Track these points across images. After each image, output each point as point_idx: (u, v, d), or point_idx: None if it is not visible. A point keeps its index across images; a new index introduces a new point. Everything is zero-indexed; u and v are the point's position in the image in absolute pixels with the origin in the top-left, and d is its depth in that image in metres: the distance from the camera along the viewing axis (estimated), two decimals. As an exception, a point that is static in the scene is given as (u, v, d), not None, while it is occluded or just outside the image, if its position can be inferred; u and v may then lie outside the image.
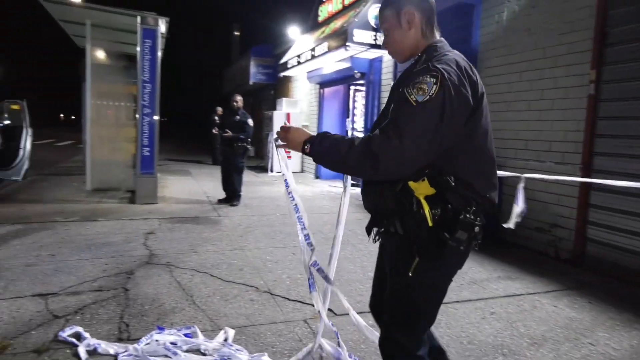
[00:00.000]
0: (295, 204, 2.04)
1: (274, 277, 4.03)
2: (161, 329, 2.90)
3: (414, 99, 1.45)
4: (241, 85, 19.59)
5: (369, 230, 1.83)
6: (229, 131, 7.53)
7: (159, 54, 7.26)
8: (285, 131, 1.77)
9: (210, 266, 4.26)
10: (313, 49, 9.96)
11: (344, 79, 10.63)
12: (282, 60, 12.49)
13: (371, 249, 5.10)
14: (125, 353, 2.54)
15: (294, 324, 3.16)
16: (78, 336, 2.74)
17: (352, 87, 10.58)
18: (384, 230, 1.68)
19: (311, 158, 1.64)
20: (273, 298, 3.59)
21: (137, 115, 7.28)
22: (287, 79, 14.58)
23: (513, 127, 5.67)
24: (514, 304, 3.69)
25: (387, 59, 8.68)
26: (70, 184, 8.91)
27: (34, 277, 3.77)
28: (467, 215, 1.49)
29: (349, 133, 10.74)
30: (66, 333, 2.75)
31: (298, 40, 12.86)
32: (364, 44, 8.19)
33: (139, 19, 7.10)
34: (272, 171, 12.61)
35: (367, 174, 1.52)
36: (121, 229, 5.52)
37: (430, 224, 1.49)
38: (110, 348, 2.60)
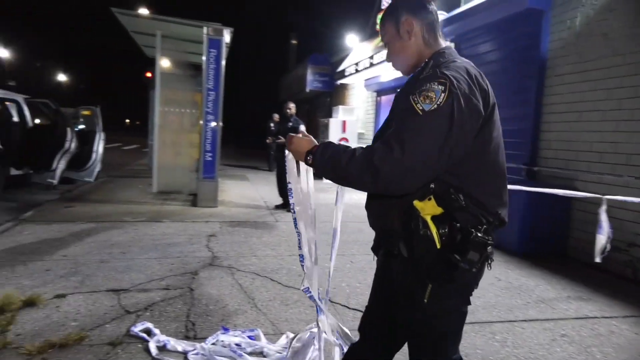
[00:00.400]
0: (295, 218, 1.85)
1: (333, 285, 4.02)
2: (226, 329, 2.97)
3: (421, 107, 1.34)
4: (298, 93, 19.90)
5: (375, 250, 1.76)
6: (282, 138, 7.65)
7: (223, 62, 7.51)
8: (290, 141, 1.66)
9: (271, 270, 4.32)
10: (371, 57, 9.95)
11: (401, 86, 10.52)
12: (340, 68, 12.57)
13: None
14: (194, 351, 2.62)
15: (354, 333, 3.13)
16: (148, 332, 2.87)
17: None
18: (389, 251, 1.58)
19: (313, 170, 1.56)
20: (333, 306, 3.58)
21: (201, 122, 7.56)
22: (344, 86, 14.65)
23: (585, 138, 5.36)
24: (587, 327, 3.47)
25: (447, 66, 8.50)
26: (137, 186, 9.38)
27: (107, 273, 3.99)
28: (479, 235, 1.36)
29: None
30: (138, 328, 2.88)
31: (356, 48, 12.90)
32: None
33: (205, 29, 7.40)
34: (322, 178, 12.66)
35: (368, 187, 1.41)
36: (185, 230, 5.73)
37: (438, 246, 1.38)
38: (179, 345, 2.70)
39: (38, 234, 5.16)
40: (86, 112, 9.63)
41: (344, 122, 13.03)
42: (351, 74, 11.49)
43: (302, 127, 7.64)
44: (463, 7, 7.61)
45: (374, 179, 1.35)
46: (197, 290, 3.72)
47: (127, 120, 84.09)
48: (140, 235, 5.37)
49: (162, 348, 2.68)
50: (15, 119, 8.32)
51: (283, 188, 7.71)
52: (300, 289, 3.86)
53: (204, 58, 7.44)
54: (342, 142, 12.79)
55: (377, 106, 12.08)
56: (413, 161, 1.32)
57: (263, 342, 2.82)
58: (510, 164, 6.23)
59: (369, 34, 12.37)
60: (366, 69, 10.34)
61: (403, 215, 1.44)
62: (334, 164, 1.44)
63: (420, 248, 1.41)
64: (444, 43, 1.61)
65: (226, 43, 7.67)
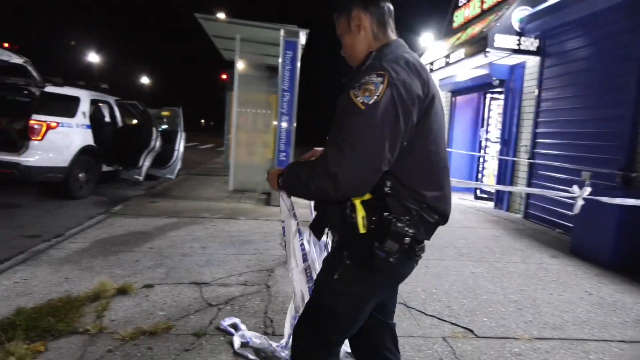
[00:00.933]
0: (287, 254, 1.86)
1: (407, 289, 3.92)
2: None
3: (361, 101, 1.32)
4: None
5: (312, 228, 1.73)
6: None
7: (298, 64, 7.63)
8: (267, 173, 1.74)
9: (344, 271, 4.30)
10: (447, 56, 9.64)
11: (479, 86, 10.11)
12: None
13: (511, 269, 4.72)
14: (277, 347, 2.65)
15: (432, 340, 3.03)
16: (235, 326, 2.95)
17: (489, 95, 10.00)
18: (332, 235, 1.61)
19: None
20: (409, 310, 3.49)
21: (275, 122, 7.72)
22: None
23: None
24: (698, 351, 3.10)
25: (530, 64, 8.03)
26: (213, 183, 9.79)
27: (189, 266, 4.18)
28: (399, 225, 1.36)
29: (483, 143, 10.17)
30: (226, 322, 2.98)
31: (430, 47, 12.57)
32: (506, 50, 7.68)
33: (282, 31, 7.55)
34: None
35: (332, 196, 1.36)
36: (259, 228, 5.88)
37: (361, 230, 1.39)
38: (259, 340, 2.74)
39: (127, 227, 5.53)
40: (166, 113, 10.18)
41: (415, 123, 12.74)
42: (425, 74, 11.22)
43: None
44: (550, 1, 7.14)
45: (335, 187, 1.33)
46: (274, 287, 3.79)
47: (202, 121, 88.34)
48: (218, 231, 5.58)
49: (244, 344, 2.75)
50: (107, 119, 8.99)
51: None
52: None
53: (280, 60, 7.59)
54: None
55: (452, 106, 11.69)
56: (366, 157, 1.31)
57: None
58: (602, 168, 5.79)
59: (445, 33, 12.00)
60: (441, 68, 10.03)
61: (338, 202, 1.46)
62: (297, 182, 1.46)
63: (347, 231, 1.43)
64: (394, 36, 1.60)
65: (302, 45, 7.77)
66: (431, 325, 3.26)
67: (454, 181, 10.87)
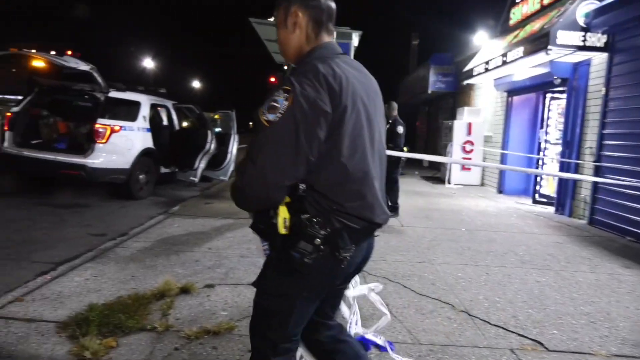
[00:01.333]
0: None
1: (469, 297, 3.79)
2: (391, 345, 2.85)
3: (266, 118, 1.37)
4: (418, 95, 19.47)
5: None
6: None
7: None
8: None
9: (402, 277, 4.22)
10: (504, 55, 9.29)
11: (538, 85, 9.67)
12: (466, 68, 11.97)
13: (579, 278, 4.46)
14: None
15: (499, 352, 2.90)
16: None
17: (549, 95, 9.55)
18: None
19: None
20: (472, 319, 3.36)
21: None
22: (469, 87, 13.95)
23: None
24: None
25: (597, 62, 7.58)
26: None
27: (247, 267, 4.23)
28: (311, 226, 1.41)
29: (542, 145, 9.72)
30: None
31: (485, 46, 12.20)
32: (570, 46, 7.29)
33: (334, 33, 7.53)
34: (449, 183, 12.16)
35: (246, 207, 1.51)
36: (313, 230, 5.88)
37: (280, 231, 1.43)
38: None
39: (186, 227, 5.70)
40: (216, 117, 10.42)
41: (469, 125, 12.41)
42: (480, 74, 10.86)
43: (401, 129, 7.23)
44: (621, -6, 6.72)
45: (245, 199, 1.45)
46: (331, 291, 3.76)
47: (250, 123, 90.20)
48: (273, 232, 5.63)
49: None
50: (165, 122, 9.33)
51: (390, 193, 7.37)
52: (433, 298, 3.72)
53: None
54: (467, 145, 12.21)
55: (508, 107, 11.26)
56: (265, 172, 1.36)
57: None
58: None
59: (501, 31, 11.59)
60: (498, 67, 9.68)
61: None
62: (232, 193, 1.49)
63: (272, 232, 1.46)
64: (327, 38, 1.57)
65: (354, 46, 7.74)
66: (497, 336, 3.12)
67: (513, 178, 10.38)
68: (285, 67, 11.77)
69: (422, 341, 2.97)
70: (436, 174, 14.49)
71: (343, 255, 1.46)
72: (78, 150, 7.23)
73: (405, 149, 7.36)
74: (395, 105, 7.48)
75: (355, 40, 7.73)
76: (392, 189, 7.15)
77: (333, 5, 1.61)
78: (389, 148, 7.12)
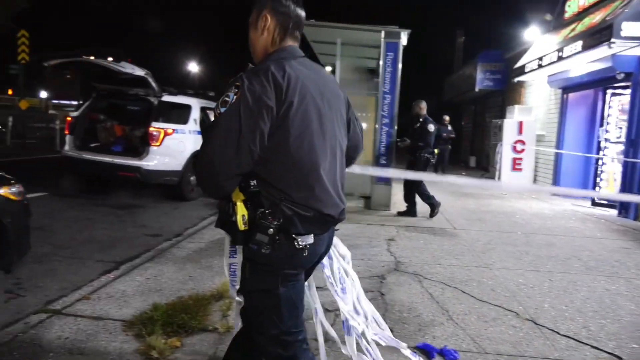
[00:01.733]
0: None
1: (534, 304, 3.61)
2: (455, 353, 2.76)
3: (218, 111, 1.48)
4: (465, 93, 19.02)
5: None
6: (407, 140, 7.22)
7: (399, 66, 7.47)
8: None
9: (459, 281, 4.08)
10: (560, 50, 8.89)
11: (597, 81, 9.18)
12: (518, 65, 11.55)
13: (654, 287, 4.16)
14: None
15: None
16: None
17: (609, 91, 9.03)
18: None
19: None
20: (538, 328, 3.20)
21: (376, 125, 7.61)
22: (519, 84, 13.45)
23: None
24: None
25: (665, 54, 7.10)
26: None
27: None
28: (264, 218, 1.48)
29: (602, 144, 9.21)
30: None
31: (537, 41, 11.72)
32: (636, 39, 6.87)
33: (382, 33, 7.44)
34: (499, 184, 11.74)
35: (206, 193, 1.61)
36: (363, 233, 5.82)
37: (240, 228, 1.50)
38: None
39: (237, 228, 5.76)
40: None
41: (520, 123, 11.93)
42: (532, 70, 10.43)
43: (432, 127, 6.94)
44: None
45: (201, 185, 1.56)
46: (388, 295, 3.69)
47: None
48: (323, 234, 5.60)
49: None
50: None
51: (408, 194, 7.19)
52: (495, 305, 3.57)
53: (380, 62, 7.49)
54: (518, 145, 11.75)
55: (563, 104, 10.74)
56: (212, 160, 1.47)
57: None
58: None
59: (554, 25, 11.11)
60: (552, 63, 9.27)
61: (226, 203, 1.56)
62: None
63: (233, 230, 1.53)
64: (290, 42, 1.66)
65: (403, 45, 7.60)
66: (568, 347, 2.95)
67: (563, 189, 9.89)
68: (328, 69, 11.76)
69: (488, 350, 2.84)
70: (484, 175, 14.06)
71: (302, 244, 1.53)
72: (133, 152, 7.49)
73: (436, 151, 7.11)
74: (423, 103, 7.14)
75: (404, 39, 7.57)
76: (418, 191, 6.96)
77: (302, 14, 1.70)
78: (418, 147, 6.95)
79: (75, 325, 2.92)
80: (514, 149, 11.80)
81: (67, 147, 7.76)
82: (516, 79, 12.21)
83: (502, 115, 13.39)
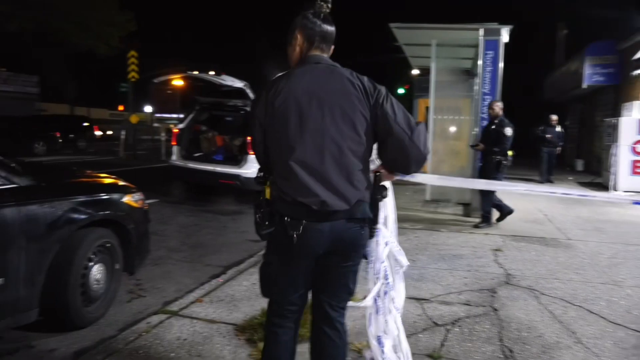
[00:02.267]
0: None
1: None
2: None
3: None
4: (569, 91, 17.52)
5: None
6: (480, 143, 6.51)
7: (501, 64, 7.04)
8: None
9: (584, 299, 3.67)
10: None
11: None
12: (637, 56, 10.36)
13: None
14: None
15: None
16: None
17: None
18: None
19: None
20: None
21: (476, 129, 7.23)
22: (638, 78, 12.05)
23: None
24: None
25: None
26: (404, 193, 9.68)
27: (405, 280, 4.06)
28: (260, 199, 1.88)
29: None
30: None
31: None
32: None
33: (481, 31, 7.06)
34: (615, 190, 10.58)
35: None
36: (466, 242, 5.51)
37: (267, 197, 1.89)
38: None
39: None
40: None
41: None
42: (655, 62, 9.31)
43: (509, 131, 6.08)
44: None
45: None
46: (502, 311, 3.42)
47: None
48: (423, 243, 5.40)
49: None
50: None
51: (483, 202, 6.48)
52: (633, 329, 3.15)
53: (479, 62, 7.11)
54: (638, 146, 10.49)
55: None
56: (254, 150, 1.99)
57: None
58: None
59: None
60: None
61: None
62: None
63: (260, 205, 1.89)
64: (313, 53, 1.90)
65: (504, 42, 7.16)
66: None
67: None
68: (415, 72, 11.57)
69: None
70: (595, 179, 12.76)
71: (289, 229, 1.77)
72: (233, 161, 7.84)
73: (509, 152, 6.36)
74: (499, 104, 6.37)
75: (505, 36, 7.11)
76: (487, 196, 6.32)
77: (329, 29, 1.91)
78: (493, 152, 6.21)
79: (192, 327, 3.05)
80: (634, 150, 10.57)
81: (174, 157, 8.34)
82: (636, 72, 10.94)
83: (615, 114, 12.08)
